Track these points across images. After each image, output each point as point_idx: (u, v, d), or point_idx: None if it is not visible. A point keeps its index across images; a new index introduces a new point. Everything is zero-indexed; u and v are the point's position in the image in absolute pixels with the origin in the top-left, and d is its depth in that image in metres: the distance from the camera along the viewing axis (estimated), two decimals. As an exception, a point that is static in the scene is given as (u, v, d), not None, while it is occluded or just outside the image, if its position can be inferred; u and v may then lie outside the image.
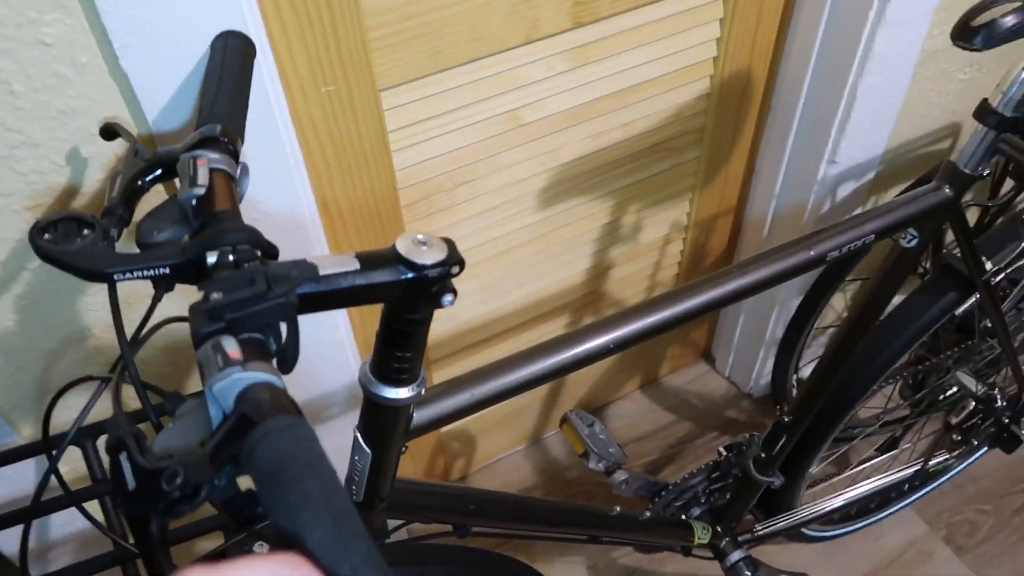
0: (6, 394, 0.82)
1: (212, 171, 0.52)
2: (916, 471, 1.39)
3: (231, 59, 0.64)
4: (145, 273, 0.45)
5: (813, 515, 1.30)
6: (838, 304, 1.62)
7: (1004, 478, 1.55)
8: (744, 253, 1.52)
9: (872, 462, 1.46)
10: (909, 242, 0.90)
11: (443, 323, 1.23)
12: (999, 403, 1.29)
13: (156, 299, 0.47)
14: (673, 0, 1.04)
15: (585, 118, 1.10)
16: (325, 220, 0.97)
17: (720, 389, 1.73)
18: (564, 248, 1.26)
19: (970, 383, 1.29)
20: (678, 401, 1.71)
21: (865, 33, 1.08)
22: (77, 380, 0.64)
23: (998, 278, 1.04)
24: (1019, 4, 0.74)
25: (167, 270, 0.45)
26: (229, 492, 0.34)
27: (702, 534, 1.16)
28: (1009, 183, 1.43)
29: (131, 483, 0.35)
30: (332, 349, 0.99)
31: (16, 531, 0.71)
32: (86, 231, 0.47)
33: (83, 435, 0.76)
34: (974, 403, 1.33)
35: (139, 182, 0.54)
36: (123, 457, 0.35)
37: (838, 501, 1.33)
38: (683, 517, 1.15)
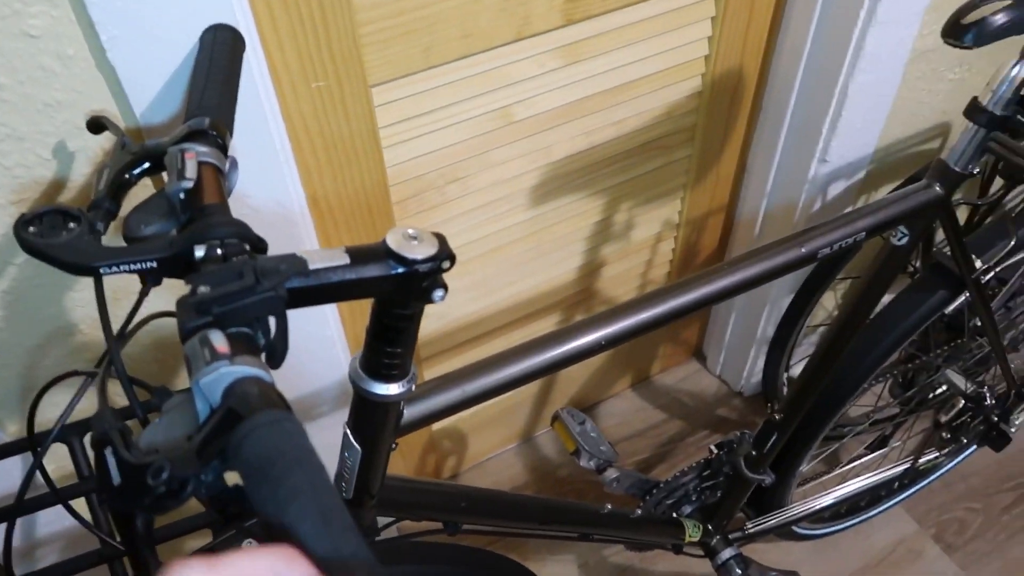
0: (-9, 391, 0.81)
1: (200, 164, 0.51)
2: (906, 469, 1.39)
3: (220, 53, 0.64)
4: (132, 267, 0.44)
5: (803, 513, 1.30)
6: (828, 303, 1.62)
7: (993, 476, 1.56)
8: (735, 251, 1.52)
9: (862, 460, 1.46)
10: (900, 240, 0.90)
11: (434, 321, 1.23)
12: (988, 401, 1.30)
13: (143, 293, 0.46)
14: (665, -3, 1.05)
15: (576, 116, 1.10)
16: (315, 216, 0.97)
17: (711, 387, 1.73)
18: (555, 246, 1.26)
19: (959, 381, 1.30)
20: (669, 399, 1.71)
21: (856, 32, 1.09)
22: (62, 375, 0.64)
23: (988, 276, 1.04)
24: (1009, 2, 0.74)
25: (154, 264, 0.44)
26: (216, 488, 0.34)
27: (693, 532, 1.16)
28: (998, 182, 1.44)
29: (116, 479, 0.35)
30: (322, 345, 0.99)
31: None
32: (72, 224, 0.46)
33: (69, 432, 0.75)
34: (963, 401, 1.33)
35: (126, 175, 0.54)
36: (108, 452, 0.35)
37: (828, 499, 1.33)
38: (674, 515, 1.15)
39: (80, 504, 0.70)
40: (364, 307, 1.11)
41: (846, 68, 1.13)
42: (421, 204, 1.06)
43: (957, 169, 0.86)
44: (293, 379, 1.00)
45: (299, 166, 0.91)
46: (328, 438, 0.76)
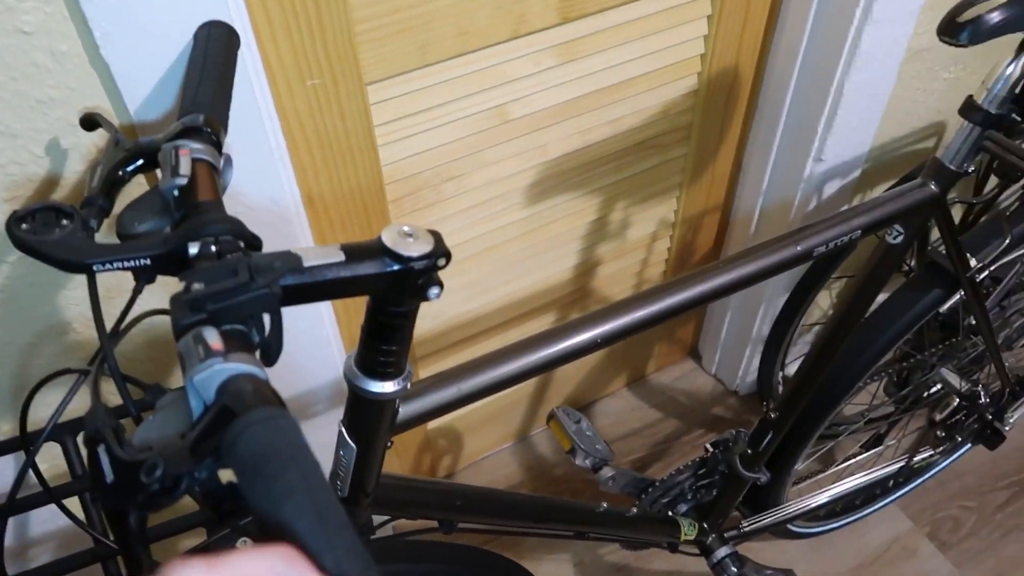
0: (-16, 390, 0.80)
1: (195, 161, 0.51)
2: (900, 468, 1.39)
3: (214, 49, 0.63)
4: (125, 264, 0.44)
5: (799, 511, 1.30)
6: (824, 302, 1.62)
7: (987, 474, 1.57)
8: (731, 250, 1.52)
9: (857, 459, 1.47)
10: (895, 238, 0.90)
11: (429, 320, 1.23)
12: (982, 400, 1.30)
13: (137, 291, 0.46)
14: (661, -4, 1.05)
15: (572, 114, 1.10)
16: (310, 215, 0.96)
17: (707, 387, 1.73)
18: (551, 245, 1.26)
19: (954, 380, 1.30)
20: (665, 399, 1.71)
21: (852, 30, 1.09)
22: (55, 373, 0.63)
23: (982, 275, 1.04)
24: (1005, 0, 0.74)
25: (148, 261, 0.44)
26: (210, 485, 0.34)
27: (689, 530, 1.16)
28: (993, 181, 1.44)
29: (110, 476, 0.35)
30: (317, 345, 0.99)
31: (-7, 528, 0.70)
32: (65, 221, 0.46)
33: (63, 431, 0.75)
34: (958, 400, 1.34)
35: (120, 172, 0.53)
36: (101, 449, 0.35)
37: (823, 497, 1.34)
38: (670, 513, 1.15)
39: (73, 503, 0.70)
40: (359, 306, 1.11)
41: (842, 67, 1.13)
42: (417, 202, 1.06)
43: (952, 167, 0.86)
44: (288, 378, 1.00)
45: (294, 164, 0.90)
46: (323, 437, 0.76)
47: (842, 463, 1.47)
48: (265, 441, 0.32)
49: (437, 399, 0.65)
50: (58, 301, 0.78)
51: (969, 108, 0.84)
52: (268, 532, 0.29)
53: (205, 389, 0.34)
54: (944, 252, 1.00)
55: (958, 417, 1.36)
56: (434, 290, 0.48)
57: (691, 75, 1.18)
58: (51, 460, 0.88)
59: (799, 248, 0.78)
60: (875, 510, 1.48)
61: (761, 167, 1.33)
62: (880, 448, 1.48)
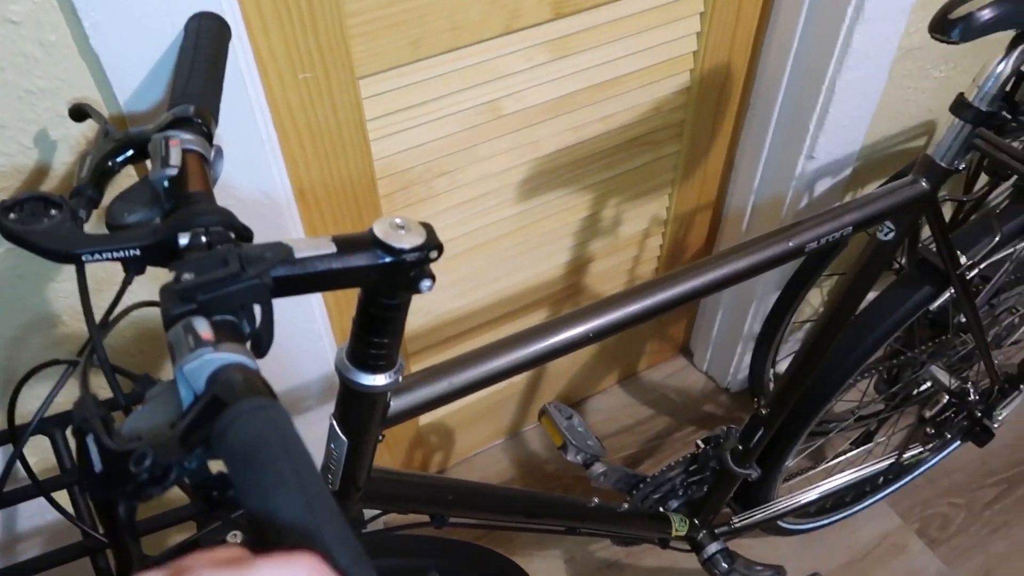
0: (-28, 383, 0.80)
1: (185, 152, 0.50)
2: (890, 464, 1.40)
3: (205, 40, 0.63)
4: (115, 254, 0.43)
5: (789, 508, 1.31)
6: (815, 299, 1.63)
7: (976, 471, 1.58)
8: (723, 248, 1.52)
9: (847, 456, 1.47)
10: (886, 235, 0.90)
11: (420, 316, 1.22)
12: (972, 397, 1.31)
13: (126, 282, 0.45)
14: (654, -8, 1.04)
15: (565, 110, 1.10)
16: (302, 208, 0.96)
17: (698, 384, 1.74)
18: (543, 241, 1.26)
19: (944, 377, 1.31)
20: (656, 396, 1.71)
21: (844, 28, 1.09)
22: (43, 364, 0.63)
23: (972, 273, 1.05)
24: (996, -2, 0.75)
25: (137, 251, 0.44)
26: (200, 475, 0.33)
27: (680, 526, 1.16)
28: (984, 179, 1.45)
29: (98, 466, 0.34)
30: (308, 339, 0.98)
31: (-19, 523, 0.69)
32: (53, 211, 0.46)
33: (51, 424, 0.74)
34: (947, 397, 1.34)
35: (109, 163, 0.53)
36: (90, 439, 0.34)
37: (813, 494, 1.34)
38: (661, 509, 1.15)
39: (62, 497, 0.70)
40: (351, 300, 1.11)
41: (833, 65, 1.13)
42: (409, 197, 1.06)
43: (943, 165, 0.86)
44: (279, 372, 1.00)
45: (285, 157, 0.90)
46: (315, 432, 0.76)
47: (832, 460, 1.48)
48: (255, 431, 0.31)
49: (429, 392, 0.65)
50: (47, 293, 0.77)
51: (960, 105, 0.84)
52: (258, 523, 0.29)
53: (195, 379, 0.34)
54: (935, 249, 1.00)
55: (947, 414, 1.37)
56: (426, 282, 0.48)
57: (683, 72, 1.18)
58: (40, 454, 0.87)
59: (791, 244, 0.79)
60: (865, 507, 1.49)
61: (753, 164, 1.33)
62: (870, 445, 1.48)
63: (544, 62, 1.03)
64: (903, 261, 1.34)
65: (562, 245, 1.30)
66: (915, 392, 1.40)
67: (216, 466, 0.33)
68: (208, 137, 0.54)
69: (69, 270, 0.76)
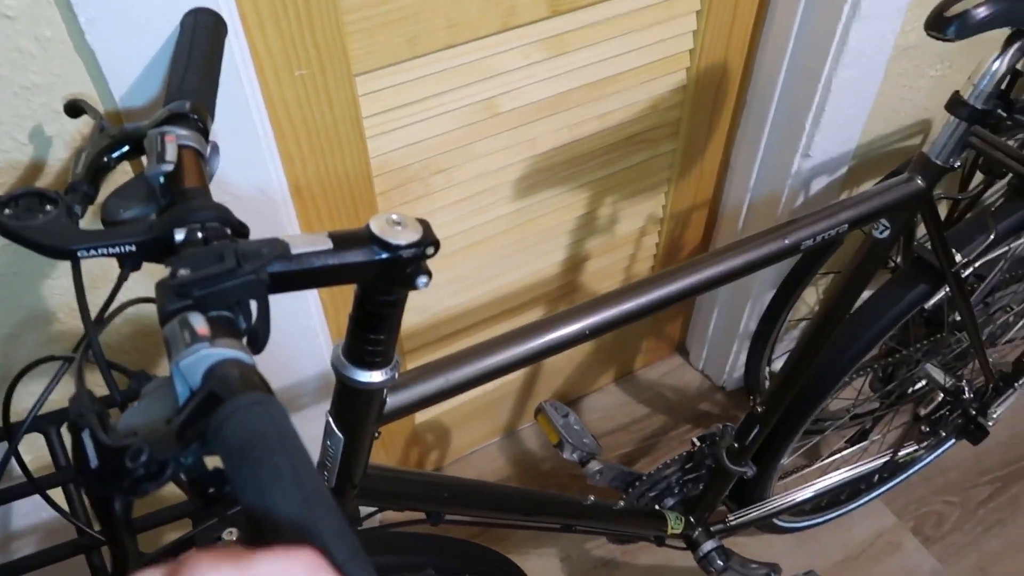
0: (-34, 380, 0.79)
1: (181, 148, 0.50)
2: (885, 462, 1.40)
3: (201, 36, 0.63)
4: (110, 250, 0.43)
5: (784, 506, 1.31)
6: (810, 298, 1.63)
7: (971, 470, 1.58)
8: (719, 246, 1.52)
9: (842, 454, 1.48)
10: (882, 233, 0.91)
11: (416, 314, 1.22)
12: (967, 395, 1.31)
13: (122, 278, 0.45)
14: (651, -10, 1.05)
15: (561, 108, 1.10)
16: (298, 205, 0.96)
17: (694, 382, 1.74)
18: (539, 239, 1.26)
19: (939, 375, 1.31)
20: (652, 394, 1.71)
21: (840, 27, 1.09)
22: (38, 360, 0.63)
23: (967, 271, 1.05)
24: (991, -4, 0.75)
25: (133, 247, 0.43)
26: (196, 470, 0.33)
27: (675, 524, 1.16)
28: (979, 177, 1.46)
29: (94, 462, 0.34)
30: (305, 335, 0.98)
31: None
32: (48, 207, 0.46)
33: (47, 422, 0.74)
34: (942, 395, 1.35)
35: (105, 159, 0.53)
36: (86, 435, 0.34)
37: (809, 492, 1.34)
38: (656, 507, 1.16)
39: (57, 494, 0.69)
40: (347, 297, 1.11)
41: (829, 63, 1.13)
42: (405, 195, 1.06)
43: (938, 162, 0.86)
44: (275, 369, 1.00)
45: (281, 154, 0.90)
46: (311, 429, 0.76)
47: (828, 458, 1.48)
48: (252, 426, 0.31)
49: (425, 389, 0.65)
50: (42, 290, 0.77)
51: (955, 103, 0.84)
52: (255, 518, 0.29)
53: (191, 374, 0.34)
54: (930, 247, 1.00)
55: (942, 412, 1.37)
56: (422, 278, 0.48)
57: (680, 70, 1.18)
58: (35, 451, 0.87)
59: (787, 241, 0.79)
60: (860, 505, 1.50)
61: (749, 163, 1.33)
62: (865, 443, 1.49)
63: (541, 60, 1.03)
64: (898, 259, 1.34)
65: (559, 243, 1.30)
66: (910, 390, 1.40)
67: (212, 461, 0.33)
68: (204, 133, 0.54)
69: (64, 266, 0.75)
